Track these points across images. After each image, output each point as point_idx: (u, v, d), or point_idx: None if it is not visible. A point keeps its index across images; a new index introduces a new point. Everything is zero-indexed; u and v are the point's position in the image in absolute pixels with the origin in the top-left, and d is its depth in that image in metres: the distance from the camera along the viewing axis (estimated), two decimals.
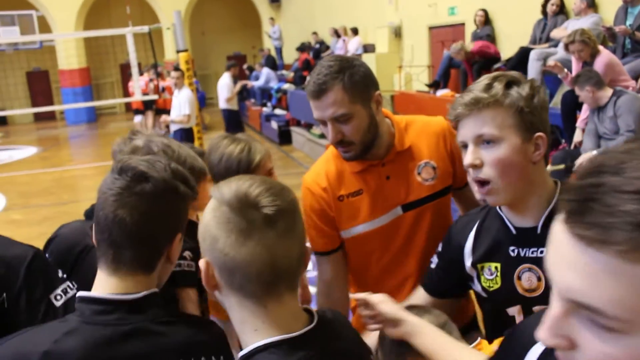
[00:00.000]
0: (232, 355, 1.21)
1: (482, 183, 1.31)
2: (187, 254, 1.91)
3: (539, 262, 1.33)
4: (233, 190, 0.94)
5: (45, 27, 18.64)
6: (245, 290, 0.93)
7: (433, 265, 1.58)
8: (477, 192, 1.33)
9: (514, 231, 1.37)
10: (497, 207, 1.41)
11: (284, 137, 12.45)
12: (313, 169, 1.86)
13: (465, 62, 7.70)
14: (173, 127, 7.88)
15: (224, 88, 9.97)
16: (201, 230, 0.97)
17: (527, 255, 1.35)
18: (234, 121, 10.30)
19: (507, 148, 1.27)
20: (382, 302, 1.34)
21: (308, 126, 11.56)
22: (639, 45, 5.29)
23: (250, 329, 0.95)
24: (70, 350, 1.01)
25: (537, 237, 1.34)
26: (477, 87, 1.30)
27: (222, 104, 10.18)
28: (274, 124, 12.88)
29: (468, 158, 1.30)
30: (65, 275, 1.55)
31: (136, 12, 19.59)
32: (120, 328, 1.06)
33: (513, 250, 1.37)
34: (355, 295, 1.42)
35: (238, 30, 23.42)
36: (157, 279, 1.16)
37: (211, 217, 0.95)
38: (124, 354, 1.05)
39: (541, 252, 1.32)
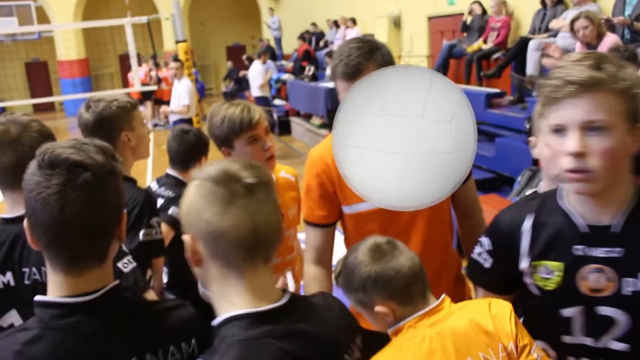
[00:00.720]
0: (206, 333, 1.21)
1: (582, 170, 1.17)
2: (154, 221, 2.00)
3: (610, 262, 1.24)
4: (215, 167, 1.03)
5: (43, 17, 18.56)
6: (227, 257, 1.01)
7: (488, 265, 1.45)
8: (569, 178, 1.20)
9: (584, 229, 1.27)
10: (562, 202, 1.32)
11: (284, 128, 12.45)
12: (321, 144, 1.91)
13: (489, 24, 7.80)
14: (172, 118, 7.89)
15: (257, 75, 9.82)
16: (185, 207, 1.04)
17: (596, 255, 1.25)
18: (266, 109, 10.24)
19: (616, 137, 1.15)
20: None
21: (307, 116, 11.56)
22: (638, 35, 5.29)
23: (226, 301, 1.03)
24: (35, 357, 0.99)
25: (610, 236, 1.25)
26: (584, 64, 1.15)
27: (256, 92, 9.99)
28: (274, 114, 12.88)
29: (574, 145, 1.15)
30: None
31: (135, 2, 19.50)
32: (82, 331, 1.02)
33: (580, 249, 1.27)
34: None
35: (237, 21, 23.32)
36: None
37: (195, 193, 1.02)
38: (91, 353, 1.02)
39: (616, 252, 1.24)
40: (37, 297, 1.06)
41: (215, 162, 1.06)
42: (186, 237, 1.03)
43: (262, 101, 10.04)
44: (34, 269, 1.51)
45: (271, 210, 1.03)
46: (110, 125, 2.02)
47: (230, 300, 1.02)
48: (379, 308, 1.31)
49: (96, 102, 2.05)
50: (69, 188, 1.00)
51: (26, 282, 1.52)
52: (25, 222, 1.07)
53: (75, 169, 1.02)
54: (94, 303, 1.05)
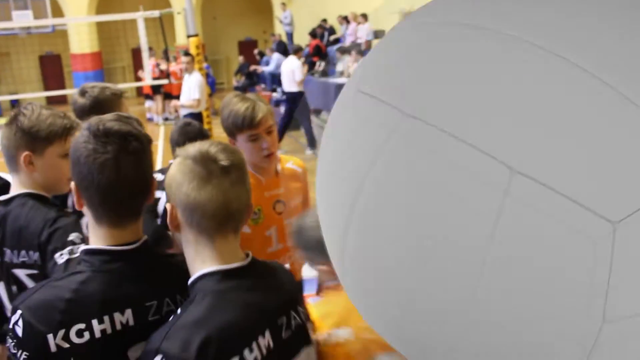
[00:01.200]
0: None
1: None
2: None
3: None
4: (196, 148, 1.19)
5: (57, 11, 18.68)
6: (201, 226, 1.17)
7: None
8: None
9: None
10: None
11: (293, 123, 12.45)
12: None
13: None
14: (183, 112, 7.92)
15: (297, 70, 9.67)
16: (168, 180, 1.20)
17: None
18: (303, 103, 10.13)
19: None
20: None
21: (317, 112, 11.55)
22: None
23: (199, 261, 1.19)
24: (91, 294, 1.17)
25: None
26: None
27: (293, 87, 9.72)
28: (284, 109, 12.88)
29: None
30: None
31: None
32: (125, 274, 1.22)
33: None
34: None
35: (249, 15, 23.34)
36: None
37: (177, 169, 1.18)
38: (135, 293, 1.21)
39: None
40: (87, 246, 1.25)
41: (197, 143, 1.21)
42: (168, 206, 1.19)
43: (299, 96, 9.91)
44: (8, 250, 1.62)
45: (242, 190, 1.20)
46: (104, 109, 2.10)
47: (203, 260, 1.18)
48: (320, 267, 1.54)
49: (91, 87, 2.20)
50: (123, 154, 1.18)
51: (6, 259, 1.63)
52: (73, 185, 1.23)
53: (126, 138, 1.20)
54: (135, 251, 1.24)
